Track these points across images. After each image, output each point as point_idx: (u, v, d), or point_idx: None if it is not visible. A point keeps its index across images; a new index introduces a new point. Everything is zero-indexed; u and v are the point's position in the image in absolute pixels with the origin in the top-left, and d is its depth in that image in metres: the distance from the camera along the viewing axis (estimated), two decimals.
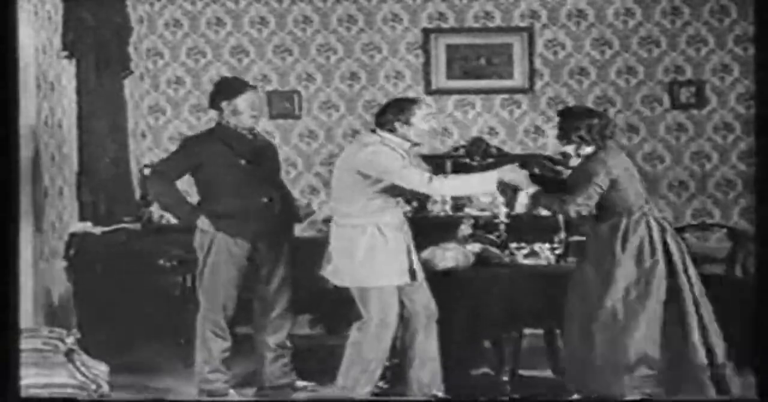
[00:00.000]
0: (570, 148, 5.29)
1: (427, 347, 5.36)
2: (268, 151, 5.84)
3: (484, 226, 6.21)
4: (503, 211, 6.44)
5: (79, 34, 6.89)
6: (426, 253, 5.54)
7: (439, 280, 5.47)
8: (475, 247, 5.70)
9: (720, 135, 8.33)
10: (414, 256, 5.32)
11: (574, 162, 5.32)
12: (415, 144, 5.32)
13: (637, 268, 5.08)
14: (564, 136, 5.25)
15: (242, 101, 5.67)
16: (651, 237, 5.13)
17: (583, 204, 5.09)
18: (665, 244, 5.14)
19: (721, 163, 8.32)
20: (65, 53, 6.80)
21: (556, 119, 5.34)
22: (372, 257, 5.21)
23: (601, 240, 5.16)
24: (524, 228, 6.35)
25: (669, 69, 8.33)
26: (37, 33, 6.39)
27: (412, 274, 5.27)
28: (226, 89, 5.72)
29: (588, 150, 5.22)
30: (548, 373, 6.07)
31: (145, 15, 8.31)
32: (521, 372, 5.59)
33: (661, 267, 5.09)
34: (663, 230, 5.16)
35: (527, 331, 5.60)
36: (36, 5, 6.39)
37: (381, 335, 5.24)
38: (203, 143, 5.66)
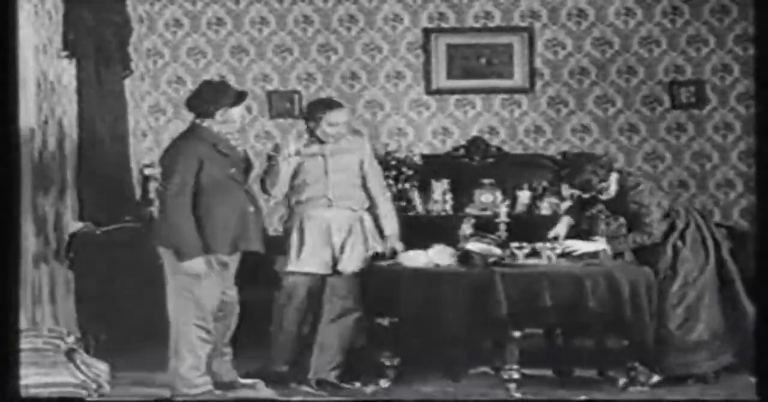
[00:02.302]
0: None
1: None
2: (248, 162, 5.68)
3: (484, 226, 6.21)
4: (504, 210, 6.44)
5: (80, 34, 6.89)
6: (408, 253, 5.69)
7: (440, 280, 5.47)
8: (476, 246, 5.70)
9: (720, 135, 8.32)
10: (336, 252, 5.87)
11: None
12: None
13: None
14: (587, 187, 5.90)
15: (237, 111, 5.56)
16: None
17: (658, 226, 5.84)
18: None
19: (721, 163, 8.32)
20: (65, 53, 6.80)
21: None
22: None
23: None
24: (525, 227, 6.35)
25: (669, 69, 8.32)
26: (37, 33, 6.39)
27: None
28: (225, 96, 5.52)
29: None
30: (548, 372, 6.08)
31: (146, 15, 8.31)
32: (524, 371, 5.59)
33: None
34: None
35: (527, 330, 5.59)
36: (36, 5, 6.39)
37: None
38: (196, 143, 5.45)
